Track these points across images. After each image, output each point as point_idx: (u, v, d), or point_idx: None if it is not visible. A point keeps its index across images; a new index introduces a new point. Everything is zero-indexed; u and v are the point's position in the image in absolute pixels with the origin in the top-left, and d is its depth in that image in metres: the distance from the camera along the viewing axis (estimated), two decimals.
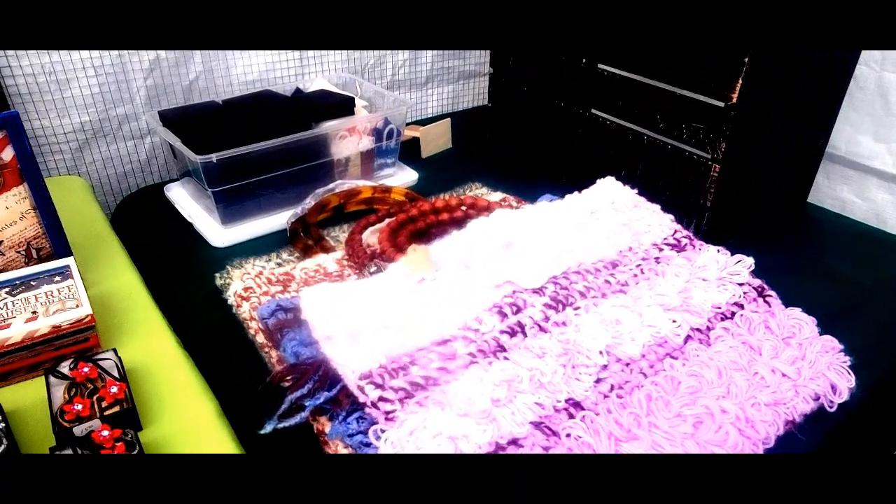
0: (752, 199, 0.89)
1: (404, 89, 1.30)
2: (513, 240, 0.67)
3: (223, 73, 1.08)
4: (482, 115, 1.17)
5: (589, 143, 0.96)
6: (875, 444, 0.75)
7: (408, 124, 1.24)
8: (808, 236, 0.94)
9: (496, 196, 0.93)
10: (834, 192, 1.12)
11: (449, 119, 1.18)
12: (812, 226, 0.97)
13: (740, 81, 0.74)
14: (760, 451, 0.55)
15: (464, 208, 0.81)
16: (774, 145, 0.83)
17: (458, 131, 1.21)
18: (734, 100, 0.75)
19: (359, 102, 1.03)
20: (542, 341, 0.58)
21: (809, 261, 0.87)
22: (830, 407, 0.60)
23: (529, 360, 0.56)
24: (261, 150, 0.86)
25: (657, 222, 0.75)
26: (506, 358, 0.57)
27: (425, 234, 0.78)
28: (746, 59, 0.72)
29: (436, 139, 1.16)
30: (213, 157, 0.82)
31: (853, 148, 1.06)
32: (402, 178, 1.05)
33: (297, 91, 1.06)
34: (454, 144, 1.20)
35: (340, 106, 1.00)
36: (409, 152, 1.14)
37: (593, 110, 0.93)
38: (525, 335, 0.59)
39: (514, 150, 1.11)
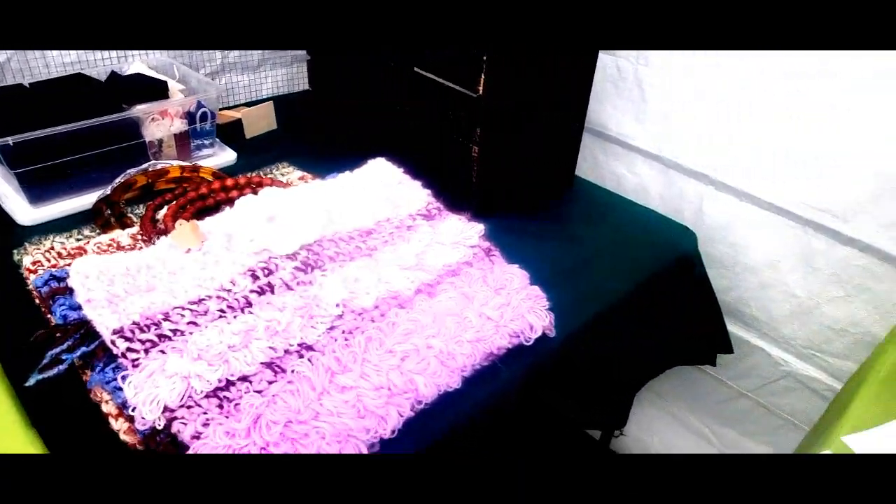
0: (517, 176, 1.03)
1: (236, 72, 1.36)
2: (276, 213, 0.77)
3: (38, 55, 1.11)
4: (307, 98, 1.27)
5: (389, 128, 1.08)
6: (568, 378, 0.92)
7: (234, 107, 1.31)
8: (570, 207, 1.10)
9: (296, 175, 1.03)
10: (610, 167, 1.31)
11: (271, 101, 1.26)
12: (577, 197, 1.14)
13: (483, 76, 0.87)
14: (458, 379, 0.69)
15: (253, 186, 0.91)
16: (526, 129, 0.98)
17: (286, 113, 1.29)
18: (481, 91, 0.89)
19: (174, 86, 1.09)
20: (285, 298, 0.70)
21: (562, 227, 1.04)
22: (527, 342, 0.76)
23: (269, 313, 0.67)
24: (65, 131, 0.91)
25: (415, 196, 0.87)
26: (250, 312, 0.67)
27: (215, 210, 0.87)
28: (485, 57, 0.86)
29: (258, 121, 1.24)
30: (10, 139, 0.86)
31: (621, 129, 1.24)
32: (221, 158, 1.13)
33: (113, 74, 1.10)
34: (280, 126, 1.28)
35: (153, 89, 1.06)
36: (235, 134, 1.21)
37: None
38: (273, 294, 0.70)
39: (332, 132, 1.21)
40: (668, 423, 1.45)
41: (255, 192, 0.88)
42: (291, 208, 0.79)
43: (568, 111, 1.04)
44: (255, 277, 0.71)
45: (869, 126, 0.93)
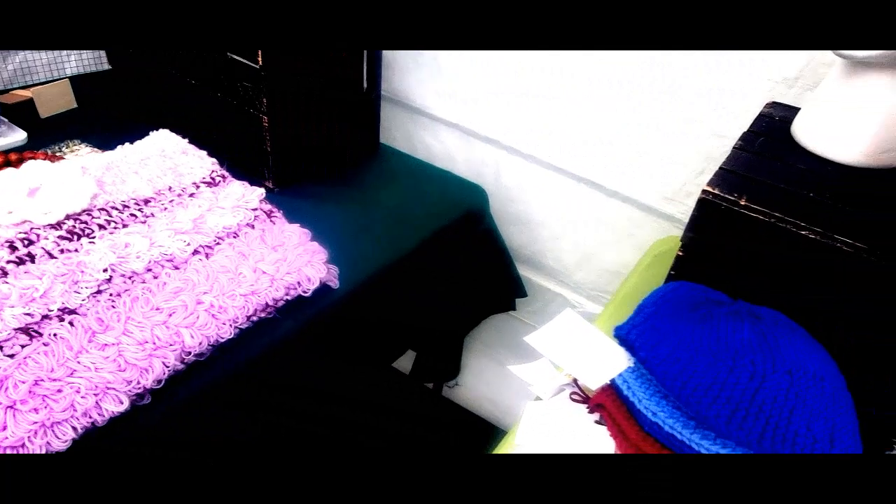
0: (314, 145, 1.08)
1: (45, 51, 1.29)
2: (39, 185, 0.77)
3: None
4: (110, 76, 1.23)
5: (185, 103, 1.09)
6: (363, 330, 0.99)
7: (30, 86, 1.25)
8: (373, 173, 1.17)
9: (86, 151, 1.02)
10: (420, 137, 1.39)
11: (68, 80, 1.22)
12: (382, 164, 1.21)
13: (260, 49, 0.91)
14: (230, 330, 0.73)
15: (12, 162, 0.89)
16: (313, 99, 1.03)
17: (88, 92, 1.25)
18: (261, 62, 0.92)
19: None
20: (46, 266, 0.70)
21: (362, 192, 1.10)
22: (305, 293, 0.81)
23: (26, 282, 0.68)
24: None
25: (199, 165, 0.90)
26: (5, 282, 0.68)
27: None
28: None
29: (54, 99, 1.19)
30: None
31: (424, 101, 1.32)
32: (9, 138, 1.08)
33: None
34: (82, 105, 1.24)
35: None
36: (29, 114, 1.16)
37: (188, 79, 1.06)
38: (34, 263, 0.70)
39: (130, 109, 1.20)
40: (495, 369, 1.58)
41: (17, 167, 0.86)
42: (56, 179, 0.78)
43: (356, 82, 1.10)
44: (12, 248, 0.71)
45: (623, 102, 1.06)
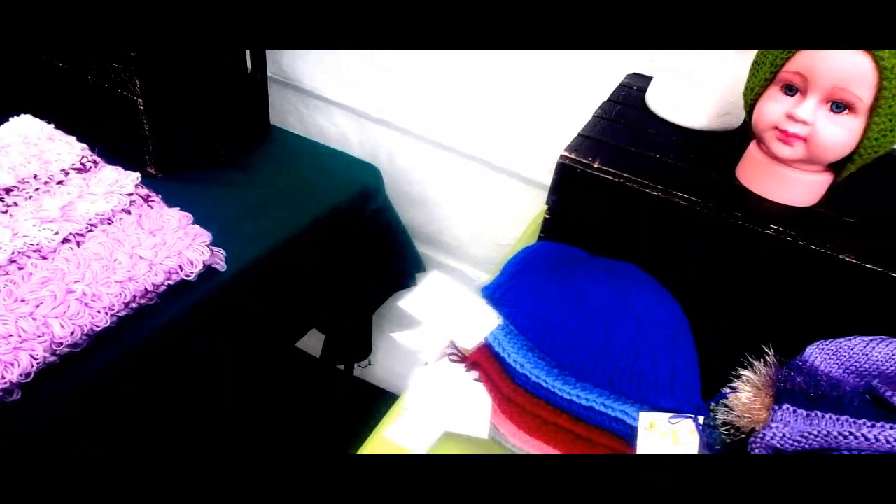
0: (197, 128, 1.05)
1: None
2: None
3: None
4: None
5: (61, 89, 1.03)
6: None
7: None
8: (265, 156, 1.15)
9: None
10: (313, 120, 1.38)
11: None
12: (274, 147, 1.19)
13: None
14: (105, 318, 0.71)
15: None
16: (191, 81, 1.00)
17: None
18: None
19: None
20: None
21: (251, 175, 1.09)
22: (188, 277, 0.80)
23: None
24: None
25: (67, 151, 0.86)
26: None
27: None
28: None
29: None
30: None
31: (314, 83, 1.32)
32: None
33: None
34: None
35: None
36: None
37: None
38: None
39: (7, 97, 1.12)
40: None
41: None
42: None
43: (238, 64, 1.08)
44: None
45: (504, 79, 1.10)
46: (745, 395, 0.60)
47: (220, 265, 0.86)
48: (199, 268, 0.81)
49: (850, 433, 0.50)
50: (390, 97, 1.24)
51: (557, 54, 1.03)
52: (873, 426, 0.50)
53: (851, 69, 0.53)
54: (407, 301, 0.63)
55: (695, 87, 0.75)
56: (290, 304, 1.07)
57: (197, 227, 0.84)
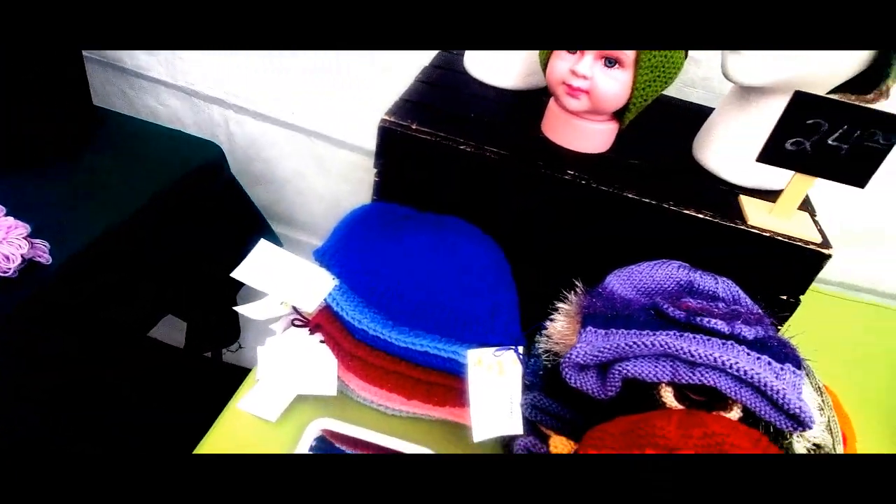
0: (7, 116, 0.96)
1: None
2: None
3: None
4: None
5: None
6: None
7: None
8: (93, 141, 1.08)
9: None
10: (142, 101, 1.31)
11: None
12: (103, 131, 1.11)
13: None
14: None
15: None
16: None
17: None
18: None
19: None
20: None
21: (78, 161, 1.02)
22: (6, 273, 0.75)
23: None
24: None
25: None
26: None
27: None
28: None
29: None
30: None
31: (136, 62, 1.24)
32: None
33: None
34: None
35: None
36: None
37: None
38: None
39: None
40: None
41: None
42: None
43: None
44: None
45: (337, 55, 1.10)
46: (560, 323, 0.68)
47: (45, 258, 0.81)
48: (17, 262, 0.76)
49: (634, 342, 0.59)
50: (220, 73, 1.20)
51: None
52: (651, 334, 0.59)
53: None
54: (239, 271, 0.64)
55: (505, 50, 0.81)
56: (133, 291, 1.03)
57: (10, 219, 0.78)
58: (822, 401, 0.74)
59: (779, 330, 0.72)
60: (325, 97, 1.16)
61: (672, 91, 0.85)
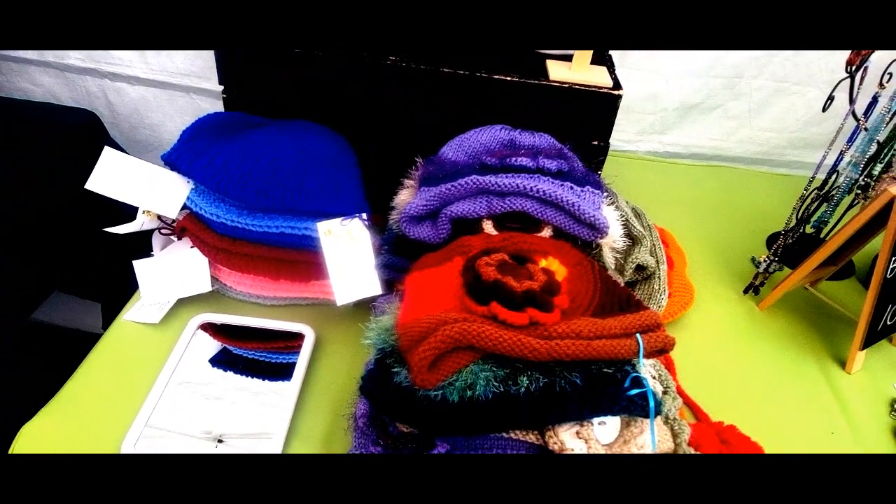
0: None
1: None
2: None
3: None
4: None
5: None
6: None
7: None
8: None
9: None
10: (16, 84, 1.31)
11: None
12: None
13: None
14: None
15: None
16: None
17: None
18: None
19: None
20: None
21: None
22: None
23: None
24: None
25: None
26: None
27: None
28: None
29: None
30: None
31: None
32: None
33: None
34: None
35: None
36: None
37: None
38: None
39: None
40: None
41: None
42: None
43: None
44: None
45: None
46: (404, 195, 0.76)
47: None
48: None
49: (453, 185, 0.67)
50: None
51: None
52: (468, 178, 0.68)
53: None
54: (91, 182, 0.69)
55: None
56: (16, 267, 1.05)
57: None
58: (647, 233, 0.84)
59: (600, 174, 0.83)
60: (192, 53, 1.20)
61: None
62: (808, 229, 0.94)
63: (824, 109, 0.72)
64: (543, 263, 0.58)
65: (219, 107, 1.26)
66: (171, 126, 1.33)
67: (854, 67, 0.69)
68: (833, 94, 0.70)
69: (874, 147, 0.81)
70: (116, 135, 1.30)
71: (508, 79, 0.75)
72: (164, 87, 1.27)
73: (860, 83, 0.70)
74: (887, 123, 0.77)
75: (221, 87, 0.80)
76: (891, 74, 0.71)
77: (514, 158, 0.69)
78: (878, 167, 0.83)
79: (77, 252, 1.19)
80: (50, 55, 1.25)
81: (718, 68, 1.12)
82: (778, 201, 1.03)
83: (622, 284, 0.71)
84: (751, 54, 1.11)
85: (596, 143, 0.79)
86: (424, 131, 0.79)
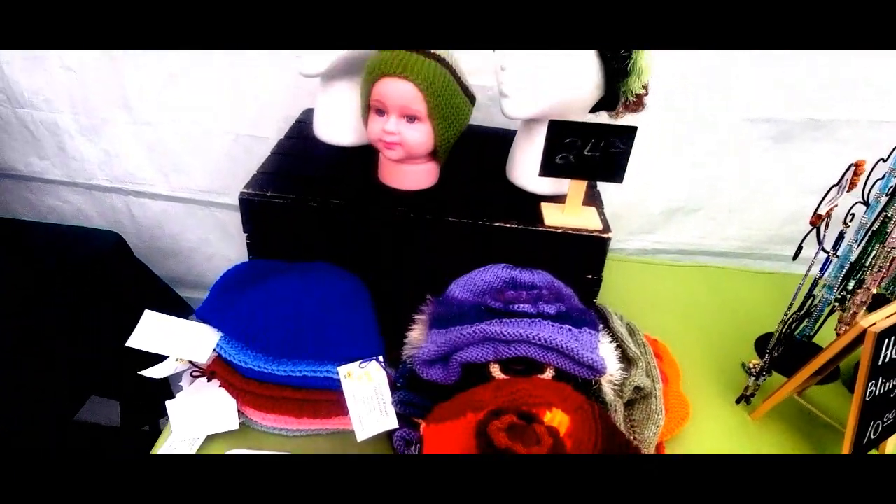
0: None
1: None
2: None
3: None
4: None
5: None
6: None
7: None
8: None
9: None
10: (43, 202, 1.40)
11: None
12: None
13: None
14: None
15: None
16: None
17: None
18: None
19: None
20: None
21: None
22: None
23: None
24: None
25: None
26: None
27: None
28: None
29: None
30: None
31: (31, 168, 1.34)
32: None
33: None
34: None
35: None
36: None
37: None
38: None
39: None
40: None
41: None
42: None
43: None
44: None
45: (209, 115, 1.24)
46: (416, 332, 0.83)
47: None
48: None
49: (462, 334, 0.74)
50: (113, 165, 1.32)
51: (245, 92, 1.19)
52: (476, 325, 0.75)
53: (406, 94, 0.77)
54: (132, 340, 0.76)
55: (338, 112, 0.96)
56: (55, 378, 1.11)
57: None
58: (642, 352, 0.91)
59: (594, 301, 0.90)
60: (209, 171, 1.29)
61: (489, 120, 1.03)
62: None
63: (794, 258, 0.80)
64: (548, 417, 0.64)
65: (233, 217, 1.37)
66: (191, 235, 1.41)
67: (819, 225, 0.76)
68: (802, 244, 0.77)
69: (847, 266, 0.88)
70: (138, 244, 1.38)
71: (508, 225, 0.83)
72: (184, 201, 1.36)
73: (825, 230, 0.78)
74: (855, 250, 0.85)
75: (246, 235, 0.87)
76: (853, 214, 0.79)
77: (516, 305, 0.76)
78: (852, 282, 0.90)
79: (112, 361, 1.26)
80: (80, 177, 1.34)
81: (698, 177, 1.21)
82: (764, 299, 1.10)
83: (621, 419, 0.77)
84: (728, 164, 1.19)
85: (589, 276, 0.86)
86: (433, 271, 0.85)
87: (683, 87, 1.11)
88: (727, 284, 1.22)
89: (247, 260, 0.91)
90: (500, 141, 0.98)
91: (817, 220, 0.73)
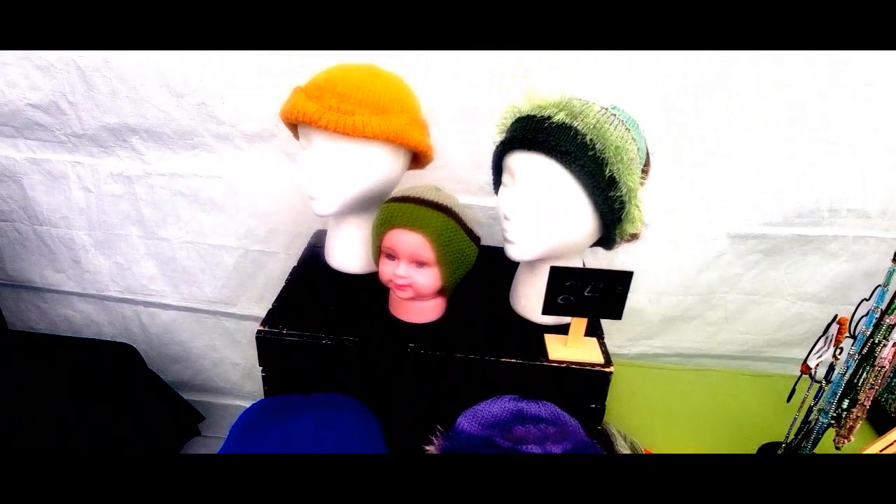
0: None
1: None
2: None
3: None
4: None
5: None
6: None
7: None
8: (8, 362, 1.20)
9: None
10: (56, 312, 1.43)
11: None
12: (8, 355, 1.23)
13: None
14: None
15: None
16: None
17: None
18: None
19: None
20: None
21: None
22: None
23: None
24: None
25: None
26: None
27: None
28: None
29: None
30: None
31: (46, 280, 1.38)
32: None
33: None
34: None
35: None
36: None
37: None
38: None
39: None
40: None
41: None
42: None
43: None
44: None
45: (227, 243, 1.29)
46: None
47: None
48: None
49: None
50: (122, 276, 1.35)
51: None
52: None
53: (416, 245, 0.82)
54: None
55: (350, 244, 1.01)
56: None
57: None
58: None
59: (598, 427, 0.92)
60: (219, 284, 1.34)
61: (490, 237, 1.08)
62: None
63: (788, 400, 0.84)
64: None
65: (241, 326, 1.40)
66: (199, 342, 1.44)
67: (809, 372, 0.81)
68: (795, 386, 0.82)
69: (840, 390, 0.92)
70: (148, 350, 1.40)
71: (513, 361, 0.87)
72: (194, 311, 1.39)
73: (815, 370, 0.82)
74: (846, 378, 0.89)
75: (260, 369, 0.90)
76: (841, 348, 0.84)
77: (524, 445, 0.79)
78: (846, 402, 0.94)
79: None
80: (91, 289, 1.38)
81: (693, 287, 1.26)
82: (765, 404, 1.13)
83: None
84: (721, 275, 1.25)
85: (593, 406, 0.90)
86: (443, 402, 0.89)
87: (679, 203, 1.18)
88: (727, 388, 1.25)
89: (261, 389, 0.94)
90: (503, 262, 1.03)
91: (806, 370, 0.77)
